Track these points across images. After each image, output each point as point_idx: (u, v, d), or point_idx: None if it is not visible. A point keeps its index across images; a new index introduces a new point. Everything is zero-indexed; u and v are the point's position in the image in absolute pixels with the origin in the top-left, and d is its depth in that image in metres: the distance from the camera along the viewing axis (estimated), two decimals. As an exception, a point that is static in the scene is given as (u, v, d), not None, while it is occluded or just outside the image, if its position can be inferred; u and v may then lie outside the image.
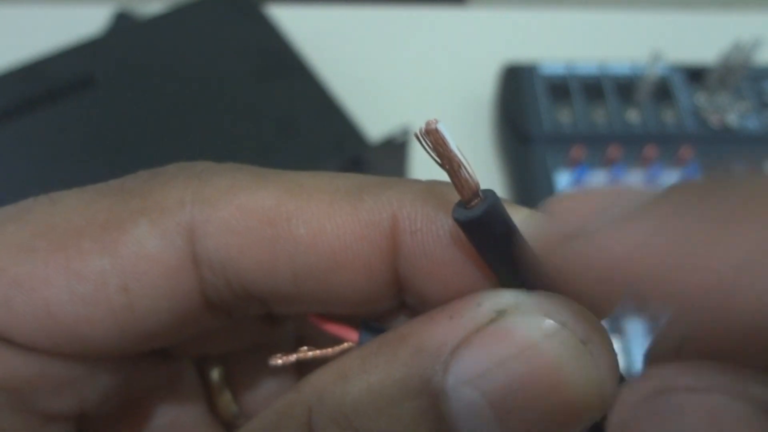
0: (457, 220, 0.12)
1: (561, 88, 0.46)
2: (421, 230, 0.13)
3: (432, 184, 0.14)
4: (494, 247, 0.12)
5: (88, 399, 0.15)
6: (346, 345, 0.14)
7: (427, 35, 0.55)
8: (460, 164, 0.11)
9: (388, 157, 0.41)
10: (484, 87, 0.50)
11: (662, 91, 0.46)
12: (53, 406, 0.14)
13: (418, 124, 0.12)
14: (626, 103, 0.46)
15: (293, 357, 0.14)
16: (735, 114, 0.45)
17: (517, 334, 0.11)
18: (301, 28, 0.48)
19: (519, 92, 0.46)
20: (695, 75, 0.46)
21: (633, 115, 0.45)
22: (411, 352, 0.12)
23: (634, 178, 0.43)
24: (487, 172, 0.47)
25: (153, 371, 0.17)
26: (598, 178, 0.43)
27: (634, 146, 0.44)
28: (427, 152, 0.11)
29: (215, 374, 0.18)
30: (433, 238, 0.13)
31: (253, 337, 0.18)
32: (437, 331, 0.12)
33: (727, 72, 0.45)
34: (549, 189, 0.42)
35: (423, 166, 0.45)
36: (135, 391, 0.16)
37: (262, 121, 0.41)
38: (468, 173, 0.11)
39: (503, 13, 0.57)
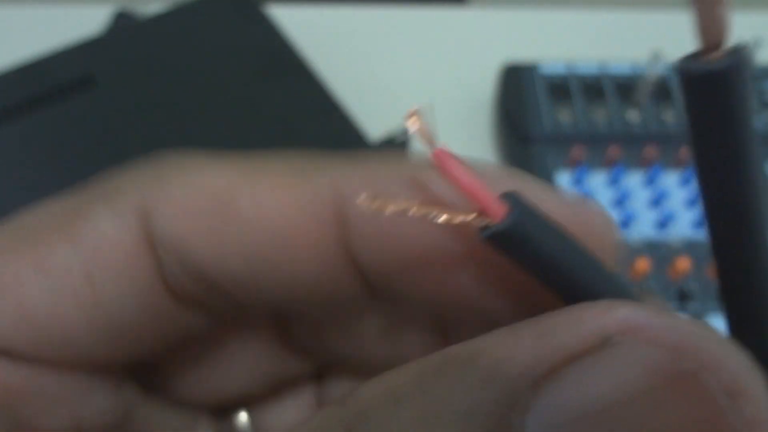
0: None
1: (561, 88, 0.46)
2: (365, 195, 0.12)
3: (388, 159, 0.13)
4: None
5: (85, 418, 0.14)
6: (471, 216, 0.10)
7: (427, 35, 0.55)
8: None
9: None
10: (484, 87, 0.50)
11: (662, 91, 0.46)
12: (47, 424, 0.14)
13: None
14: (626, 103, 0.46)
15: (390, 206, 0.11)
16: (735, 114, 0.45)
17: (637, 367, 0.08)
18: (301, 28, 0.48)
19: (519, 92, 0.46)
20: (695, 75, 0.46)
21: (633, 115, 0.45)
22: (481, 377, 0.09)
23: (634, 178, 0.43)
24: (487, 172, 0.47)
25: (164, 415, 0.16)
26: (598, 178, 0.43)
27: (634, 146, 0.44)
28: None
29: (242, 419, 0.17)
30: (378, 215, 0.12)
31: (268, 373, 0.17)
32: (520, 350, 0.09)
33: (727, 72, 0.45)
34: (549, 189, 0.42)
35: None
36: None
37: (262, 121, 0.41)
38: (724, 12, 0.08)
39: (503, 13, 0.57)
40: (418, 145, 0.11)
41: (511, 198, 0.10)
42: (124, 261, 0.13)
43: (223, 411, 0.17)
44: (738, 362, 0.08)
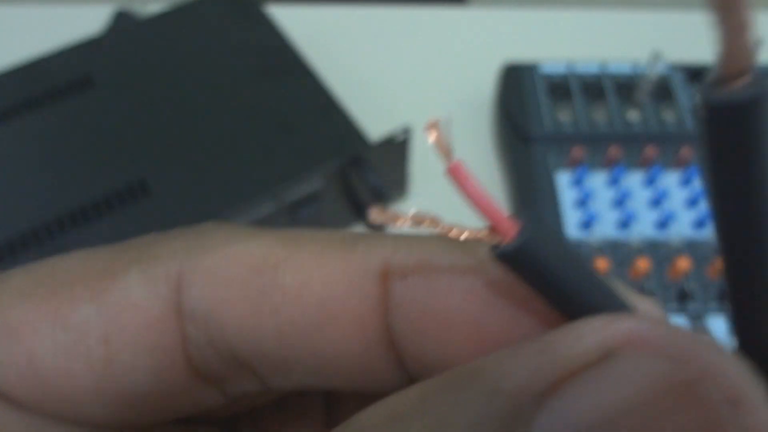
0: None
1: (561, 88, 0.46)
2: (413, 275, 0.11)
3: (431, 236, 0.12)
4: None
5: None
6: (481, 234, 0.10)
7: (427, 35, 0.55)
8: (745, 22, 0.08)
9: (388, 156, 0.41)
10: (484, 87, 0.50)
11: (662, 91, 0.46)
12: None
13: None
14: (626, 103, 0.46)
15: (399, 220, 0.10)
16: (735, 114, 0.45)
17: (641, 377, 0.08)
18: (301, 28, 0.48)
19: (519, 92, 0.46)
20: (695, 75, 0.46)
21: (633, 115, 0.45)
22: (485, 393, 0.09)
23: (634, 178, 0.43)
24: (487, 172, 0.47)
25: None
26: (598, 178, 0.43)
27: (634, 146, 0.44)
28: None
29: None
30: (426, 284, 0.11)
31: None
32: (521, 365, 0.09)
33: (727, 72, 0.45)
34: (549, 189, 0.42)
35: (423, 165, 0.46)
36: None
37: (262, 121, 0.41)
38: (750, 39, 0.08)
39: (503, 13, 0.57)
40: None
41: (524, 217, 0.10)
42: (146, 328, 0.12)
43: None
44: (738, 371, 0.08)
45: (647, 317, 0.09)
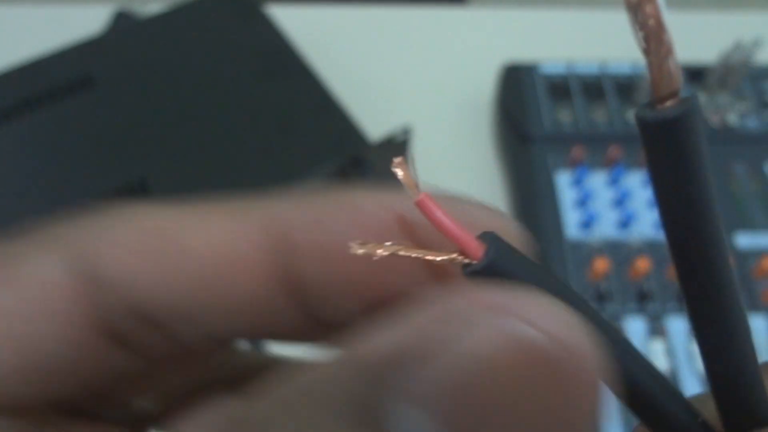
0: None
1: (561, 88, 0.46)
2: (313, 228, 0.13)
3: (333, 196, 0.13)
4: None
5: None
6: (453, 256, 0.11)
7: (427, 35, 0.55)
8: (670, 50, 0.09)
9: (388, 156, 0.41)
10: (484, 87, 0.50)
11: (662, 91, 0.46)
12: None
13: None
14: (626, 103, 0.46)
15: (379, 249, 0.11)
16: (735, 114, 0.45)
17: (497, 344, 0.08)
18: (301, 28, 0.48)
19: (519, 92, 0.46)
20: (695, 75, 0.46)
21: (633, 115, 0.45)
22: (338, 364, 0.09)
23: (634, 178, 0.43)
24: (487, 172, 0.47)
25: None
26: (598, 178, 0.43)
27: (634, 146, 0.44)
28: (633, 28, 0.10)
29: None
30: (324, 236, 0.12)
31: (185, 373, 0.17)
32: (375, 338, 0.09)
33: (727, 72, 0.45)
34: (549, 189, 0.42)
35: (423, 165, 0.46)
36: None
37: (262, 121, 0.41)
38: (675, 64, 0.09)
39: (503, 13, 0.57)
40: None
41: (488, 238, 0.11)
42: (58, 302, 0.13)
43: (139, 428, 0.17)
44: (578, 333, 0.09)
45: (501, 287, 0.09)
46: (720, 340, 0.11)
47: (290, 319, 0.14)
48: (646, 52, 0.09)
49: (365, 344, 0.09)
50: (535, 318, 0.08)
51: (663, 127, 0.09)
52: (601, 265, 0.39)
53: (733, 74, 0.45)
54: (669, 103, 0.09)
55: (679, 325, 0.37)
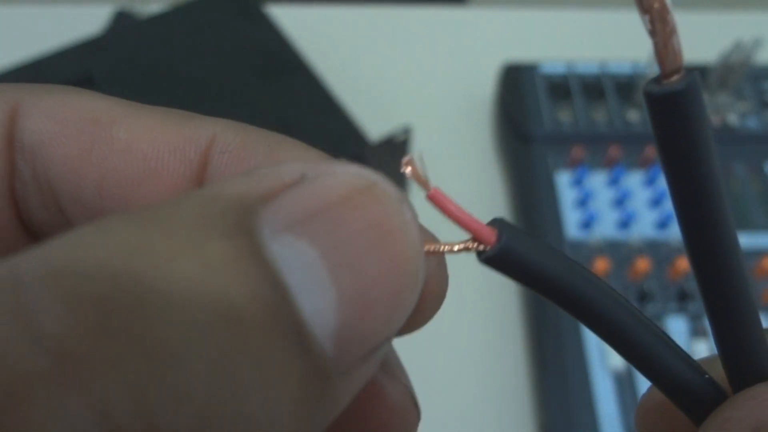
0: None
1: (561, 88, 0.46)
2: (231, 152, 0.13)
3: (258, 129, 0.14)
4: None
5: None
6: (468, 243, 0.12)
7: (427, 35, 0.55)
8: (674, 30, 0.10)
9: (388, 156, 0.41)
10: (484, 87, 0.50)
11: (662, 91, 0.46)
12: None
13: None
14: (626, 103, 0.46)
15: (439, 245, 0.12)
16: (735, 114, 0.45)
17: (335, 185, 0.10)
18: (301, 28, 0.48)
19: (519, 92, 0.46)
20: (695, 75, 0.46)
21: (633, 115, 0.45)
22: (208, 197, 0.10)
23: (634, 178, 0.43)
24: (487, 172, 0.47)
25: None
26: (598, 178, 0.43)
27: (634, 146, 0.44)
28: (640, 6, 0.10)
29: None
30: (240, 161, 0.13)
31: None
32: (241, 181, 0.10)
33: (727, 72, 0.45)
34: (549, 189, 0.42)
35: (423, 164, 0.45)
36: None
37: (262, 121, 0.41)
38: (679, 43, 0.10)
39: (503, 13, 0.57)
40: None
41: (499, 224, 0.12)
42: None
43: None
44: (383, 179, 0.11)
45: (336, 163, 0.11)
46: (727, 301, 0.12)
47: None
48: (652, 33, 0.10)
49: (233, 187, 0.10)
50: (354, 170, 0.11)
51: (670, 100, 0.10)
52: (601, 265, 0.39)
53: (733, 74, 0.45)
54: (674, 78, 0.10)
55: (679, 325, 0.37)
